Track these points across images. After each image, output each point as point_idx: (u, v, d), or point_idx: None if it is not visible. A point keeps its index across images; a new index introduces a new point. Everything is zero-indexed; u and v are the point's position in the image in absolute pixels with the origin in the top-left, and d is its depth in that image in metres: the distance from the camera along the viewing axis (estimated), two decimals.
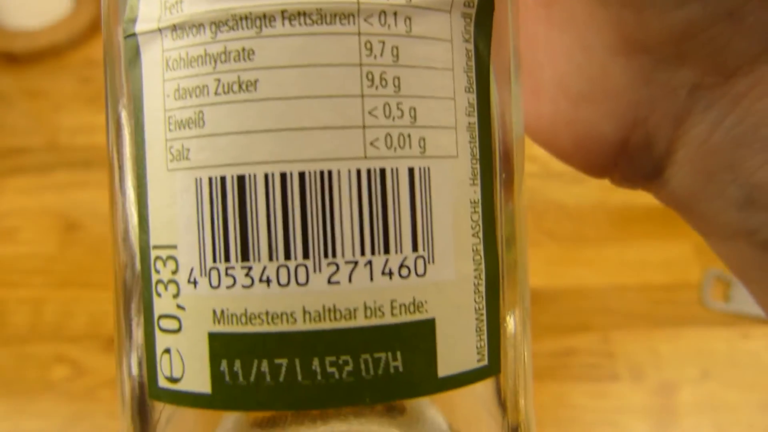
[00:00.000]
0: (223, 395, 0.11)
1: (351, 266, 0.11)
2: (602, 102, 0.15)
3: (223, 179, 0.11)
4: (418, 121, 0.11)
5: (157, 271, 0.11)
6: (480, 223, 0.12)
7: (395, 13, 0.11)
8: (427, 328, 0.11)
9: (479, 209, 0.12)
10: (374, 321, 0.11)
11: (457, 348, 0.11)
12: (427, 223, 0.11)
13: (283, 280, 0.11)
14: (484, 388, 0.12)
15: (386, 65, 0.11)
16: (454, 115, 0.11)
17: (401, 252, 0.11)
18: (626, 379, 0.43)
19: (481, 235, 0.12)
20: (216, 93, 0.11)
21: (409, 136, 0.11)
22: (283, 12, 0.11)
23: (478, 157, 0.12)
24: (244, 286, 0.11)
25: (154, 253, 0.11)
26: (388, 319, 0.11)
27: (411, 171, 0.11)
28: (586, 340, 0.44)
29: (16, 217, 0.49)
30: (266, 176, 0.11)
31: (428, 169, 0.11)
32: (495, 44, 0.12)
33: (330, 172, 0.11)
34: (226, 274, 0.11)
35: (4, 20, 0.61)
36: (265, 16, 0.11)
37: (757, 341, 0.44)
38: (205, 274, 0.11)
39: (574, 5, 0.15)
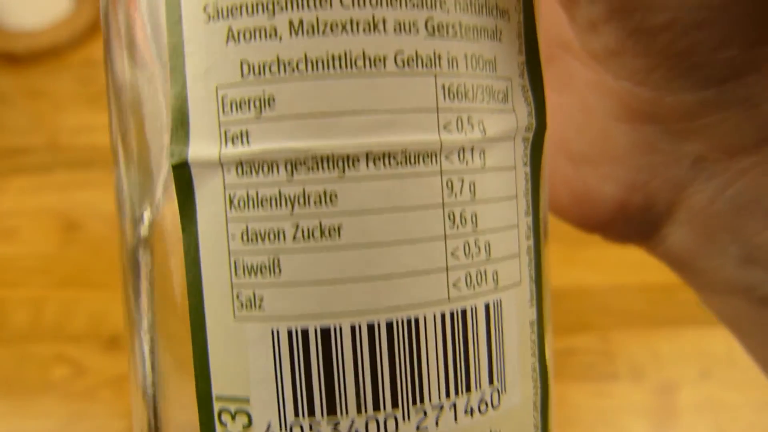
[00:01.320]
0: None
1: (437, 410, 0.10)
2: (602, 164, 0.15)
3: (305, 332, 0.10)
4: (492, 254, 0.11)
5: (224, 424, 0.10)
6: (536, 341, 0.12)
7: (472, 149, 0.11)
8: None
9: (536, 328, 0.12)
10: None
11: None
12: (500, 355, 0.11)
13: None
14: None
15: (465, 203, 0.10)
16: (518, 242, 0.11)
17: (480, 388, 0.11)
18: (626, 379, 0.43)
19: (537, 353, 0.12)
20: (294, 239, 0.10)
21: (485, 272, 0.11)
22: (367, 154, 0.10)
23: (534, 277, 0.12)
24: None
25: (218, 405, 0.10)
26: None
27: (487, 306, 0.11)
28: (586, 340, 0.44)
29: (16, 217, 0.49)
30: (352, 328, 0.10)
31: (500, 301, 0.11)
32: None
33: (417, 319, 0.10)
34: (311, 429, 0.10)
35: (4, 20, 0.61)
36: (348, 157, 0.10)
37: None
38: (286, 430, 0.10)
39: (575, 68, 0.15)
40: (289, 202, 0.10)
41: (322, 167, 0.10)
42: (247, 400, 0.10)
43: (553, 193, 0.16)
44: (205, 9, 0.10)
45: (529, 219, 0.12)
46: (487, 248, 0.11)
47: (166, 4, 0.10)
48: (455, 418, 0.11)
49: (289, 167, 0.10)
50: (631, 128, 0.14)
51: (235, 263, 0.10)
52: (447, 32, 0.10)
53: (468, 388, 0.11)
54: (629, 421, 0.42)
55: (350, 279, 0.10)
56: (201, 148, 0.10)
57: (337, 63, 0.10)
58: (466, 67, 0.11)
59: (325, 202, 0.10)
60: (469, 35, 0.11)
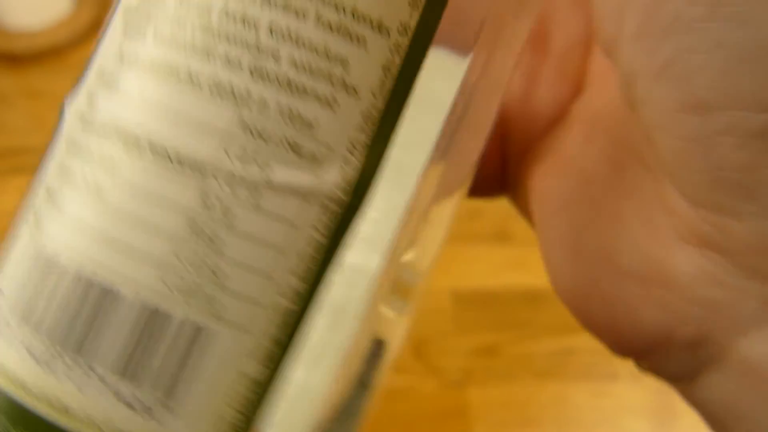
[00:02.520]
0: None
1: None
2: (654, 287, 0.13)
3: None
4: (227, 285, 0.11)
5: None
6: (247, 397, 0.12)
7: (249, 183, 0.11)
8: None
9: (253, 387, 0.12)
10: None
11: None
12: (186, 379, 0.11)
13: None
14: None
15: (218, 223, 0.11)
16: (268, 294, 0.11)
17: (150, 388, 0.11)
18: (626, 379, 0.43)
19: (241, 409, 0.12)
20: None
21: (210, 296, 0.11)
22: (151, 143, 0.11)
23: (278, 339, 0.12)
24: None
25: None
26: None
27: (198, 329, 0.11)
28: (586, 340, 0.44)
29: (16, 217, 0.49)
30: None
31: (215, 333, 0.11)
32: None
33: (121, 294, 0.11)
34: None
35: (4, 20, 0.61)
36: (138, 139, 0.11)
37: None
38: None
39: (644, 177, 0.13)
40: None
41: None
42: None
43: (588, 311, 0.14)
44: None
45: (296, 280, 0.11)
46: (222, 275, 0.11)
47: None
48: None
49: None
50: (695, 253, 0.12)
51: None
52: (268, 77, 0.11)
53: (137, 380, 0.11)
54: (629, 421, 0.42)
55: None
56: None
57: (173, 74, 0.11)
58: (275, 114, 0.11)
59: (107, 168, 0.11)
60: (291, 88, 0.11)
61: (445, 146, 0.13)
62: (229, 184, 0.11)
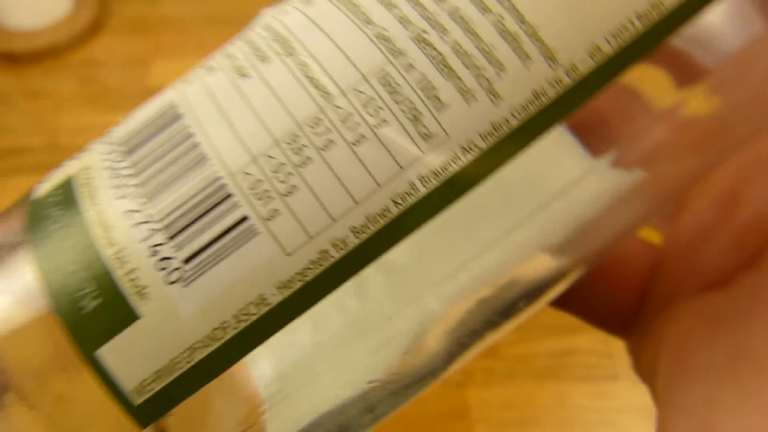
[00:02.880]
0: None
1: None
2: None
3: None
4: None
5: None
6: None
7: None
8: None
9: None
10: None
11: None
12: None
13: None
14: None
15: None
16: None
17: None
18: (626, 379, 0.43)
19: None
20: None
21: None
22: None
23: None
24: None
25: None
26: None
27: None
28: (586, 340, 0.44)
29: None
30: None
31: None
32: None
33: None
34: None
35: (4, 20, 0.61)
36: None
37: None
38: None
39: None
40: None
41: None
42: None
43: None
44: None
45: (352, 235, 0.11)
46: (293, 189, 0.11)
47: None
48: None
49: None
50: None
51: None
52: (427, 46, 0.11)
53: (175, 242, 0.11)
54: (629, 421, 0.42)
55: None
56: None
57: None
58: (415, 80, 0.12)
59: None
60: (441, 66, 0.11)
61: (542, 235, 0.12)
62: (342, 117, 0.11)
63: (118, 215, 0.11)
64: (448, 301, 0.12)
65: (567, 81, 0.11)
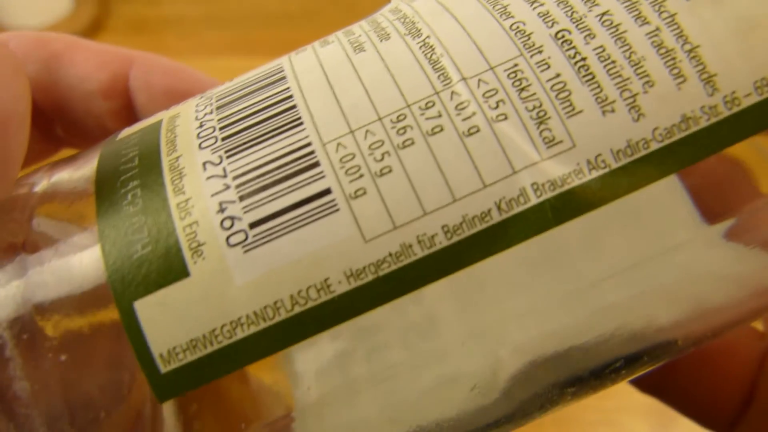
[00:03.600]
0: None
1: None
2: None
3: None
4: None
5: None
6: None
7: None
8: None
9: None
10: None
11: None
12: None
13: None
14: None
15: None
16: None
17: None
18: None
19: None
20: None
21: None
22: None
23: None
24: None
25: None
26: None
27: None
28: None
29: None
30: None
31: None
32: None
33: None
34: None
35: (4, 20, 0.61)
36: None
37: None
38: None
39: None
40: None
41: None
42: None
43: None
44: None
45: (441, 235, 0.10)
46: (386, 171, 0.10)
47: None
48: None
49: None
50: None
51: None
52: (567, 47, 0.11)
53: (245, 202, 0.11)
54: (629, 421, 0.42)
55: None
56: None
57: None
58: (548, 80, 0.11)
59: None
60: (580, 70, 0.10)
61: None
62: (458, 104, 0.10)
63: (195, 165, 0.11)
64: (526, 347, 0.11)
65: (724, 112, 0.10)
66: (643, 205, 0.10)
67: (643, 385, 0.15)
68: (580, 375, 0.12)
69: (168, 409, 0.10)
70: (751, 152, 0.11)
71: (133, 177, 0.11)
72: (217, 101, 0.12)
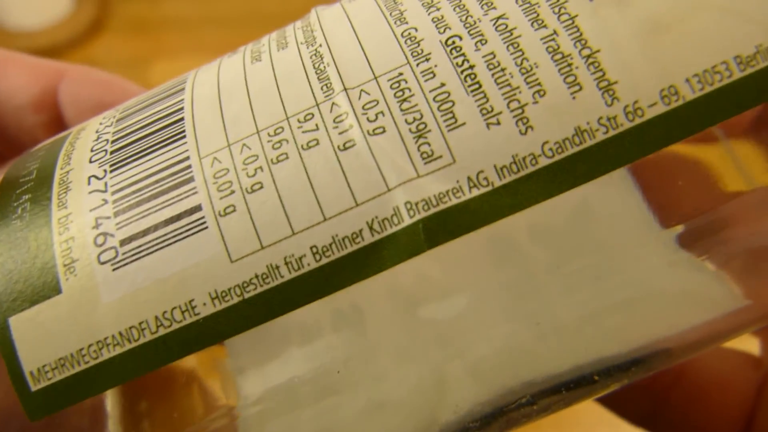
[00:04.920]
0: None
1: None
2: None
3: None
4: None
5: None
6: None
7: None
8: None
9: None
10: None
11: None
12: None
13: None
14: None
15: None
16: None
17: None
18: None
19: None
20: None
21: None
22: None
23: None
24: None
25: None
26: None
27: None
28: None
29: None
30: None
31: None
32: None
33: None
34: None
35: (4, 20, 0.61)
36: None
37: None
38: None
39: None
40: None
41: None
42: None
43: None
44: None
45: None
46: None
47: None
48: None
49: None
50: None
51: None
52: (455, 52, 0.10)
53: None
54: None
55: None
56: None
57: None
58: (427, 89, 0.10)
59: None
60: (465, 77, 0.10)
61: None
62: (336, 116, 0.10)
63: (81, 179, 0.10)
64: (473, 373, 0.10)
65: (625, 124, 0.09)
66: (595, 203, 0.10)
67: (635, 418, 0.15)
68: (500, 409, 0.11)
69: (113, 401, 0.10)
70: (714, 152, 0.10)
71: (26, 191, 0.11)
72: (120, 113, 0.11)
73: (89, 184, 0.10)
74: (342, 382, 0.10)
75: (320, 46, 0.10)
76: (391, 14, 0.10)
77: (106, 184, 0.10)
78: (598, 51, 0.09)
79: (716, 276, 0.10)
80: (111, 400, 0.10)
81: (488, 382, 0.10)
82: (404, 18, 0.10)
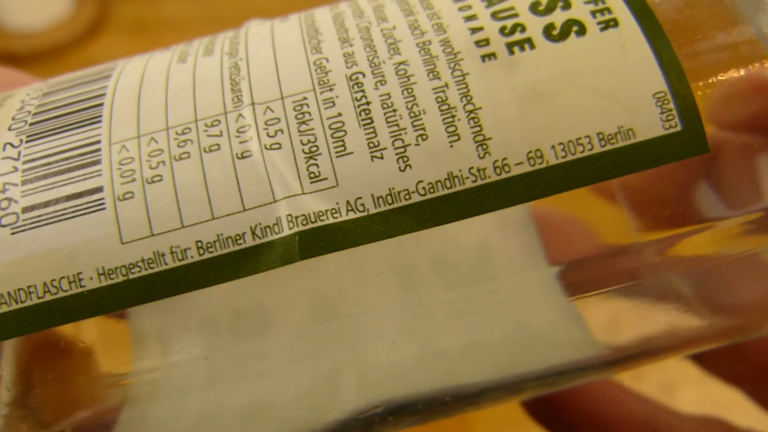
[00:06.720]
0: None
1: None
2: None
3: None
4: None
5: None
6: None
7: None
8: None
9: None
10: None
11: None
12: None
13: None
14: None
15: None
16: None
17: None
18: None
19: None
20: None
21: None
22: None
23: None
24: None
25: None
26: None
27: None
28: None
29: None
30: None
31: None
32: None
33: None
34: None
35: (4, 20, 0.61)
36: None
37: None
38: None
39: None
40: None
41: None
42: None
43: None
44: None
45: None
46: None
47: None
48: None
49: None
50: None
51: None
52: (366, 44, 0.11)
53: None
54: None
55: None
56: None
57: None
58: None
59: None
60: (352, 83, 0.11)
61: None
62: (239, 127, 0.11)
63: None
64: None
65: (492, 176, 0.10)
66: (493, 239, 0.11)
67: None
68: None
69: (7, 367, 0.11)
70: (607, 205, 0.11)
71: None
72: (48, 88, 0.12)
73: (4, 150, 0.11)
74: (232, 377, 0.11)
75: (240, 59, 0.11)
76: (309, 42, 0.11)
77: (19, 152, 0.11)
78: (480, 108, 0.10)
79: (578, 320, 0.11)
80: (5, 366, 0.11)
81: (370, 393, 0.11)
82: (320, 48, 0.11)
